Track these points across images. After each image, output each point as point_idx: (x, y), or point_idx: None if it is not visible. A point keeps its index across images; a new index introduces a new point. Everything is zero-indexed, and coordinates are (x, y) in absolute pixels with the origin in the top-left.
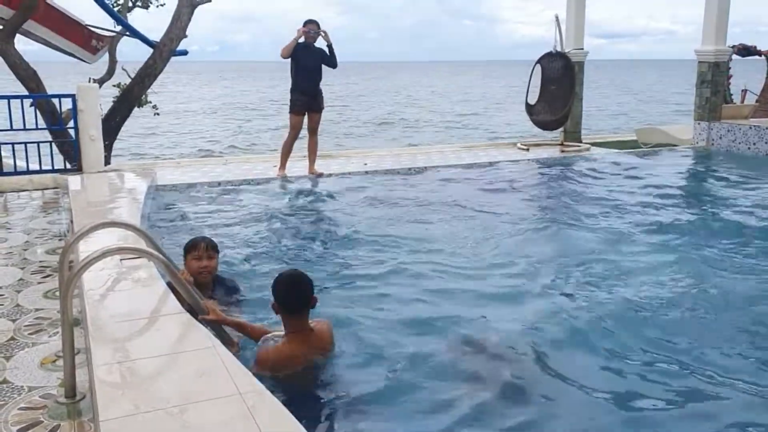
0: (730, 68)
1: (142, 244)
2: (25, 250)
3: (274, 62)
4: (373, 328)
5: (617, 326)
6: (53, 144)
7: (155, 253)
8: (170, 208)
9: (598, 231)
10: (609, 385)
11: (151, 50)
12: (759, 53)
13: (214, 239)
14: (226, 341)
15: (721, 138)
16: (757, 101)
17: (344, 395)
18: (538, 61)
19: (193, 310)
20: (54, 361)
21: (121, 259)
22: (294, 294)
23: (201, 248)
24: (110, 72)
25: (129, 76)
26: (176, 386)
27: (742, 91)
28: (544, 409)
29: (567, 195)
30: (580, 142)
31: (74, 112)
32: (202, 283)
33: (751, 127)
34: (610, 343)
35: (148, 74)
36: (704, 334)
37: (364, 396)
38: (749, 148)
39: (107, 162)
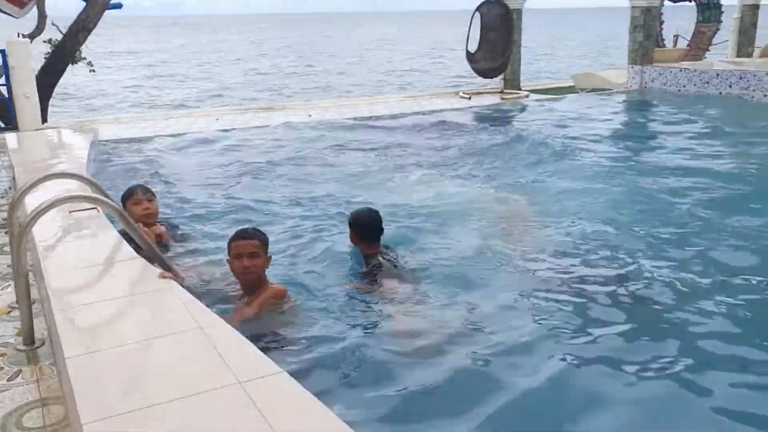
0: (662, 14)
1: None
2: None
3: (217, 16)
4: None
5: (550, 258)
6: None
7: (105, 199)
8: (114, 162)
9: (535, 174)
10: (555, 320)
11: (83, 4)
12: None
13: (167, 190)
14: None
15: (653, 81)
16: (688, 46)
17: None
18: (477, 9)
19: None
20: (8, 312)
21: (70, 211)
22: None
23: (138, 193)
24: (40, 27)
25: (60, 32)
26: (136, 325)
27: (674, 36)
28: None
29: (506, 142)
30: (520, 89)
31: (5, 69)
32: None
33: (681, 70)
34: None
35: (81, 29)
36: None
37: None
38: (679, 90)
39: (44, 120)
